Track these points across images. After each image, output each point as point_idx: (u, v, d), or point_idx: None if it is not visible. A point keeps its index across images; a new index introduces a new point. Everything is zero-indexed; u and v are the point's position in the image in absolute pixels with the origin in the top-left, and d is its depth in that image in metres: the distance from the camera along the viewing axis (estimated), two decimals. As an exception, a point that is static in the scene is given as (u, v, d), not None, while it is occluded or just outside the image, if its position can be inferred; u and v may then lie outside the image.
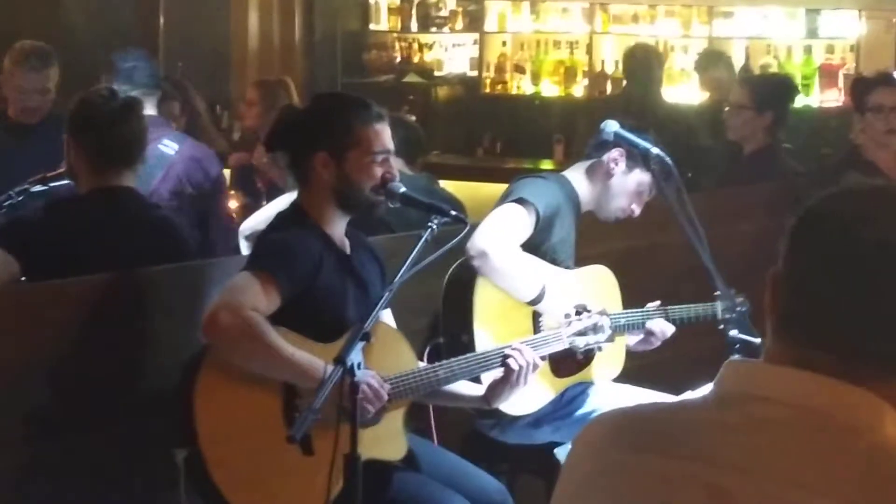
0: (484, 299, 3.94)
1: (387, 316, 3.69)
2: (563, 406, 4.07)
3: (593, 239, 4.38)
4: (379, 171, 3.51)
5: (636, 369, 4.29)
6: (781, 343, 1.49)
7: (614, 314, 4.05)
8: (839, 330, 1.45)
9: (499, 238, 3.87)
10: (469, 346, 3.87)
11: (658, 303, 4.20)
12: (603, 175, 4.17)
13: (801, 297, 1.48)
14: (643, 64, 7.35)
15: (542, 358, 3.81)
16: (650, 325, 4.16)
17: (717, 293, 4.05)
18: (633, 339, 4.22)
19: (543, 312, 3.99)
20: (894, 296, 1.43)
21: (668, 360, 4.47)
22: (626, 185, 4.17)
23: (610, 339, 3.94)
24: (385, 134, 3.54)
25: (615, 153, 4.15)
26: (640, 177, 4.16)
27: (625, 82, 7.61)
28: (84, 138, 3.89)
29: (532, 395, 3.93)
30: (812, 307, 1.47)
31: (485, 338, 3.91)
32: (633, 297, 4.25)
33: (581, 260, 4.22)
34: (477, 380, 3.75)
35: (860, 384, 1.44)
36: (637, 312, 4.18)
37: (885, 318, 1.44)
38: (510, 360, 3.65)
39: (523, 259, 3.94)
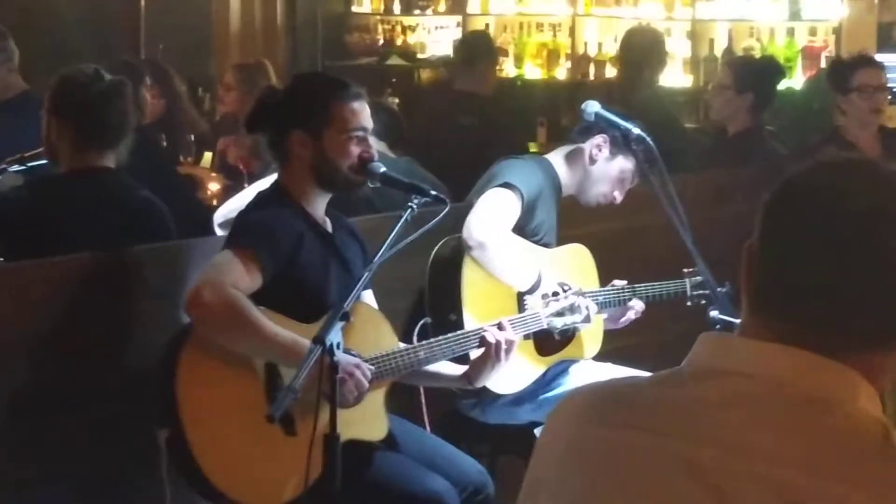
0: (471, 279, 3.94)
1: (368, 297, 3.68)
2: (545, 384, 4.08)
3: (576, 220, 4.37)
4: (356, 150, 3.50)
5: (619, 350, 4.30)
6: (756, 317, 1.49)
7: (589, 292, 4.06)
8: (814, 303, 1.45)
9: (495, 227, 3.88)
10: (458, 325, 3.87)
11: (625, 282, 4.21)
12: (585, 160, 4.18)
13: (777, 270, 1.48)
14: (643, 49, 7.23)
15: (527, 337, 3.83)
16: (629, 305, 4.18)
17: (686, 270, 4.08)
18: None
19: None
20: (869, 268, 1.43)
21: (650, 341, 4.47)
22: (609, 172, 4.17)
23: (586, 320, 3.95)
24: (363, 112, 3.53)
25: (599, 139, 4.15)
26: (623, 163, 4.16)
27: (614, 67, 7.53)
28: (68, 117, 3.84)
29: (516, 374, 3.95)
30: (787, 280, 1.47)
31: (472, 317, 3.91)
32: (614, 278, 4.24)
33: (563, 241, 4.22)
34: (464, 360, 3.75)
35: (835, 358, 1.44)
36: (608, 291, 4.19)
37: (860, 290, 1.43)
38: (486, 335, 3.66)
39: (518, 247, 3.95)
